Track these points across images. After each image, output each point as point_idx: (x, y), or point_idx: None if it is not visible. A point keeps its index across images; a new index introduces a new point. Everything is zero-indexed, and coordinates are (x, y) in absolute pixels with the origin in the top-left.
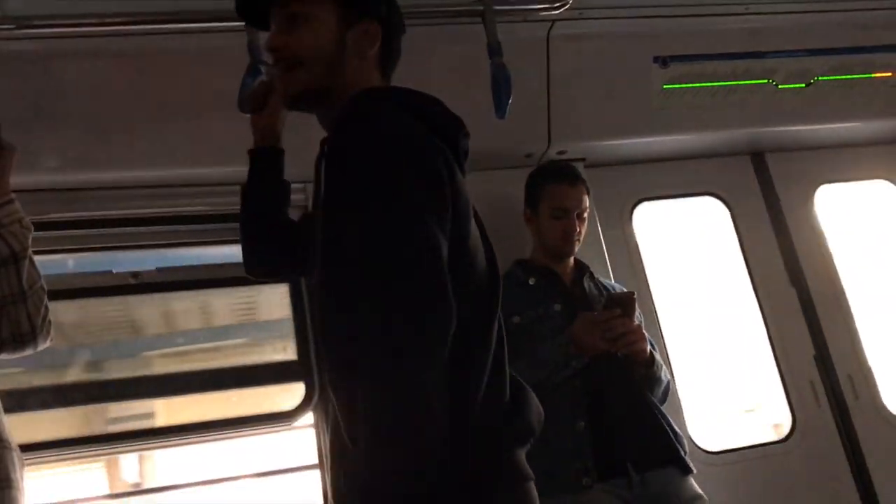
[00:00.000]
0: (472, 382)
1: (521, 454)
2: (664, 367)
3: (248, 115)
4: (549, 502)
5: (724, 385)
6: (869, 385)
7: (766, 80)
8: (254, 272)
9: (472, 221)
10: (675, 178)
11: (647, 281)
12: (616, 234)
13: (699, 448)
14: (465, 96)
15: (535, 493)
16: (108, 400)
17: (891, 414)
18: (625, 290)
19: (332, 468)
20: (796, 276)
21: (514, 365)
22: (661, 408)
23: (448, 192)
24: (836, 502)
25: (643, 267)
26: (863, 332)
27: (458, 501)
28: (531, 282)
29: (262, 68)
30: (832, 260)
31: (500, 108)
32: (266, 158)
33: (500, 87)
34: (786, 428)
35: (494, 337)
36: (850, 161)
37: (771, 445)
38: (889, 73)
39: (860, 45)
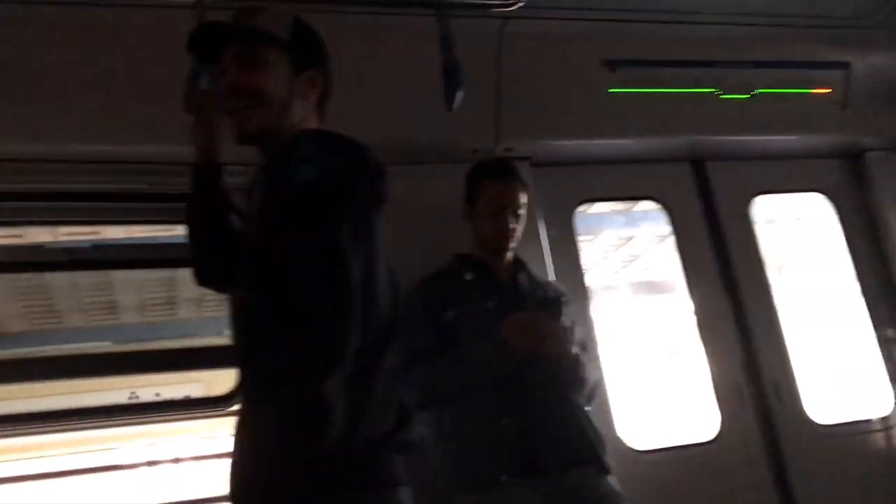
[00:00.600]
0: (366, 397)
1: (399, 462)
2: (591, 367)
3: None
4: (468, 497)
5: (660, 387)
6: (793, 392)
7: (710, 90)
8: (206, 284)
9: (382, 255)
10: (619, 180)
11: (583, 281)
12: (558, 233)
13: (628, 447)
14: (416, 88)
15: (406, 497)
16: (35, 379)
17: (811, 420)
18: (562, 288)
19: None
20: (730, 283)
21: (446, 362)
22: (588, 408)
23: (367, 229)
24: (757, 502)
25: (581, 266)
26: (790, 341)
27: (330, 496)
28: (467, 276)
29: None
30: (765, 269)
31: (449, 100)
32: (209, 175)
33: (451, 80)
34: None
35: (390, 360)
36: (787, 173)
37: (698, 446)
38: (828, 90)
39: (802, 61)
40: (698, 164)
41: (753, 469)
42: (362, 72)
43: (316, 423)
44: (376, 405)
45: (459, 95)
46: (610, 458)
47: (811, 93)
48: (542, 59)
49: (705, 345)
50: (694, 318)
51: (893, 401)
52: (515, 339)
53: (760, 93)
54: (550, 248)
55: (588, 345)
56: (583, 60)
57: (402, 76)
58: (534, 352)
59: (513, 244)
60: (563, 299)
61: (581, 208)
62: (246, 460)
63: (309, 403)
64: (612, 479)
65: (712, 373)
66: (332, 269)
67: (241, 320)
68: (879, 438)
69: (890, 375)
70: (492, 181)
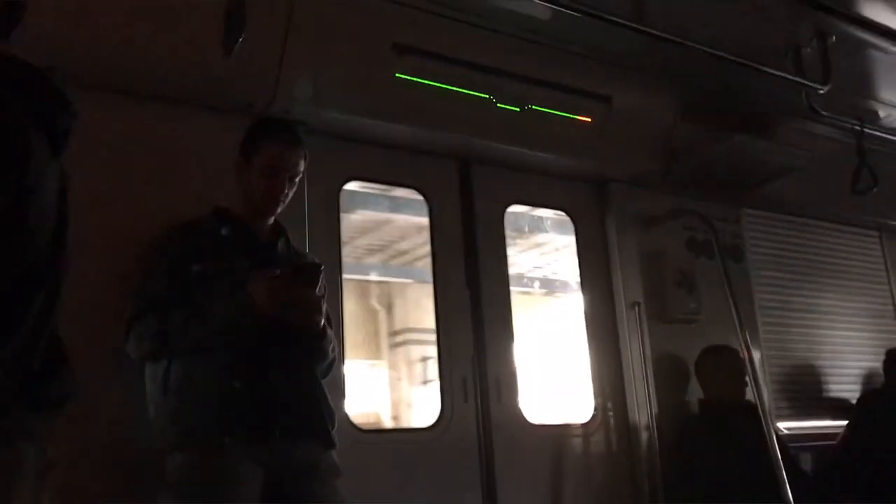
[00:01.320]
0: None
1: (33, 418)
2: (334, 343)
3: None
4: (183, 457)
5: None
6: (511, 390)
7: (486, 96)
8: None
9: (49, 192)
10: (389, 164)
11: (340, 257)
12: (321, 206)
13: (353, 425)
14: (199, 27)
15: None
16: None
17: (524, 419)
18: (316, 260)
19: None
20: (473, 280)
21: (183, 314)
22: (323, 381)
23: (15, 155)
24: (462, 490)
25: (340, 242)
26: (519, 341)
27: None
28: (224, 231)
29: None
30: (507, 271)
31: (229, 46)
32: None
33: (233, 24)
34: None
35: (42, 304)
36: (541, 188)
37: (420, 431)
38: (589, 119)
39: (571, 87)
40: (465, 163)
41: (466, 456)
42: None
43: None
44: (15, 347)
45: (240, 42)
46: (336, 434)
47: (575, 118)
48: (335, 28)
49: (441, 336)
50: (434, 310)
51: (592, 410)
52: (263, 299)
53: (531, 108)
54: (311, 220)
55: (331, 320)
56: (374, 38)
57: (185, 12)
58: (281, 317)
59: (279, 208)
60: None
61: (348, 185)
62: None
63: None
64: (334, 454)
65: (441, 362)
66: None
67: None
68: (579, 442)
69: (593, 388)
70: (273, 143)
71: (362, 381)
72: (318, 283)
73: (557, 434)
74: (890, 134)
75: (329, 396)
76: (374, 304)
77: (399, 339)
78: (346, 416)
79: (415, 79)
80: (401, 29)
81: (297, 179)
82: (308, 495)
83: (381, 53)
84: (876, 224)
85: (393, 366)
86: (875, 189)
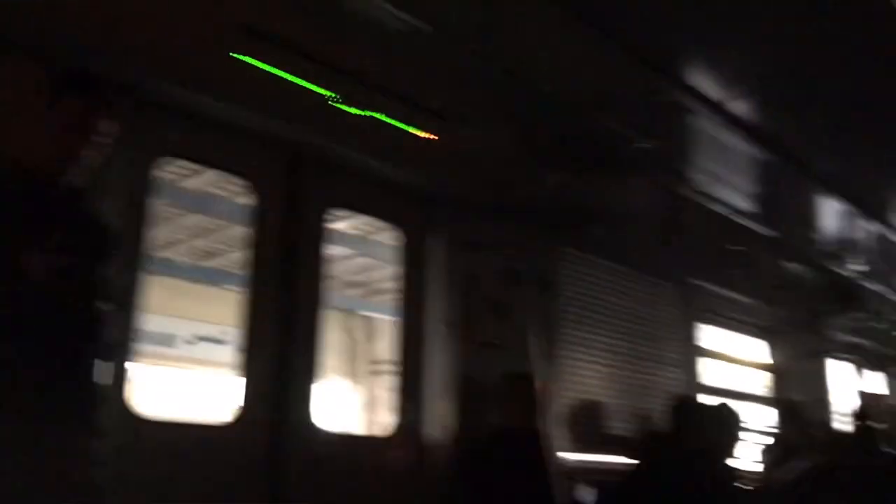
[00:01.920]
0: None
1: None
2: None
3: None
4: None
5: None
6: (311, 398)
7: (329, 93)
8: None
9: None
10: (215, 145)
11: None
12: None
13: (133, 414)
14: None
15: None
16: None
17: (321, 427)
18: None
19: None
20: (290, 279)
21: None
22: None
23: None
24: (245, 491)
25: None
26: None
27: None
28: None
29: None
30: (325, 273)
31: None
32: None
33: None
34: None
35: None
36: (371, 196)
37: (210, 428)
38: (429, 136)
39: (415, 100)
40: (296, 158)
41: (254, 458)
42: None
43: None
44: None
45: None
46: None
47: (416, 132)
48: None
49: (246, 336)
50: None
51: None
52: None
53: (372, 115)
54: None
55: (124, 303)
56: (219, 14)
57: None
58: None
59: (79, 170)
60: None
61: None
62: None
63: None
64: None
65: (243, 363)
66: None
67: None
68: (376, 455)
69: (397, 405)
70: (82, 100)
71: None
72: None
73: (355, 445)
74: (699, 197)
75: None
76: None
77: None
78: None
79: (256, 63)
80: (249, 9)
81: (99, 143)
82: None
83: (225, 31)
84: (674, 277)
85: None
86: (681, 244)
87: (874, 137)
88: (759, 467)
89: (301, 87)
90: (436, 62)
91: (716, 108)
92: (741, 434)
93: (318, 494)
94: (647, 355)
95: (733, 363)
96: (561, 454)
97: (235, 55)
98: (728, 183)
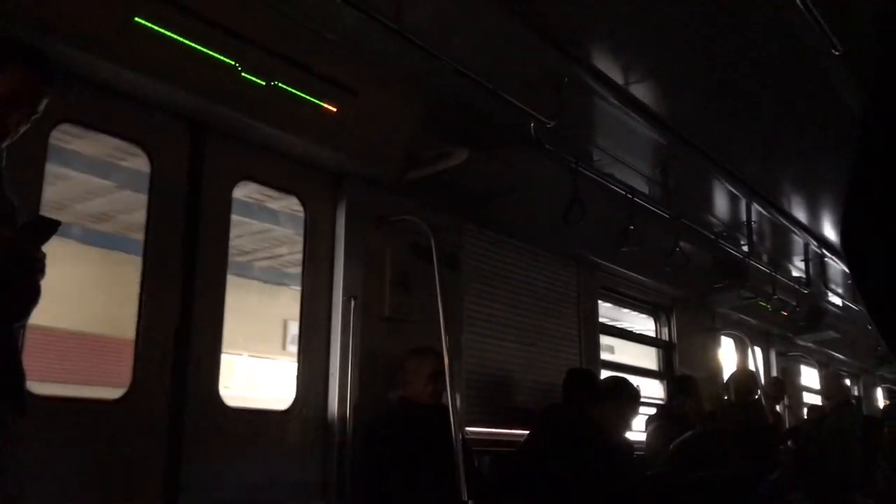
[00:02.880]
0: None
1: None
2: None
3: None
4: None
5: None
6: (212, 370)
7: (232, 62)
8: None
9: None
10: (113, 112)
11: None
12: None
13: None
14: None
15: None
16: None
17: (220, 400)
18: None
19: None
20: (190, 249)
21: None
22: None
23: None
24: (143, 466)
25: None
26: (230, 325)
27: None
28: None
29: None
30: (227, 247)
31: None
32: None
33: None
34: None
35: None
36: (278, 168)
37: (105, 404)
38: (334, 109)
39: (321, 73)
40: (198, 128)
41: (151, 434)
42: None
43: None
44: None
45: None
46: None
47: (320, 105)
48: None
49: (143, 307)
50: (139, 281)
51: (293, 398)
52: None
53: (277, 85)
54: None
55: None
56: None
57: None
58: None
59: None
60: (44, 222)
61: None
62: None
63: None
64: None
65: (139, 333)
66: None
67: None
68: (276, 428)
69: (297, 378)
70: (26, 72)
71: None
72: (47, 240)
73: (255, 419)
74: (599, 176)
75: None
76: None
77: None
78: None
79: (156, 27)
80: None
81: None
82: None
83: None
84: (575, 255)
85: None
86: (581, 222)
87: (768, 125)
88: (652, 438)
89: (204, 54)
90: (343, 35)
91: (619, 90)
92: (635, 406)
93: (215, 467)
94: (548, 330)
95: (629, 339)
96: (463, 427)
97: (138, 20)
98: (628, 164)
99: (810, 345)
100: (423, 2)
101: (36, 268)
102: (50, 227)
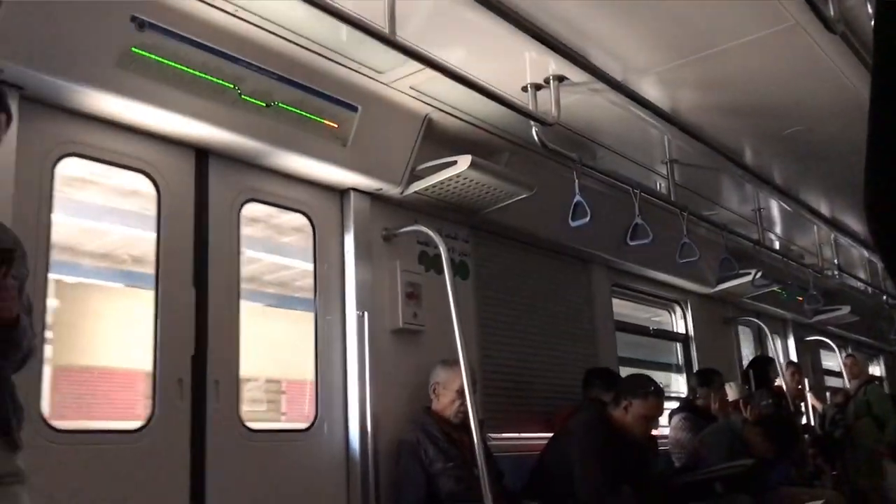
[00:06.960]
0: None
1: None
2: (31, 334)
3: None
4: None
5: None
6: (232, 394)
7: (231, 85)
8: None
9: None
10: (115, 141)
11: (48, 238)
12: (32, 183)
13: (48, 426)
14: None
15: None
16: None
17: (242, 423)
18: (17, 238)
19: None
20: (200, 277)
21: None
22: (13, 375)
23: None
24: (169, 494)
25: (50, 222)
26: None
27: None
28: None
29: None
30: (238, 271)
31: None
32: None
33: None
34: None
35: None
36: (281, 189)
37: (125, 434)
38: (335, 125)
39: (321, 91)
40: (202, 153)
41: (173, 461)
42: None
43: None
44: None
45: None
46: (25, 435)
47: (322, 122)
48: None
49: (162, 333)
50: (154, 304)
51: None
52: None
53: (278, 105)
54: (20, 197)
55: (33, 307)
56: (112, 7)
57: None
58: None
59: None
60: (16, 252)
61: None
62: None
63: None
64: (19, 458)
65: (157, 362)
66: None
67: None
68: (299, 447)
69: (317, 396)
70: None
71: None
72: (10, 269)
73: (276, 440)
74: (602, 174)
75: (18, 394)
76: None
77: None
78: (40, 416)
79: (153, 56)
80: (140, 1)
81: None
82: None
83: (119, 24)
84: (585, 254)
85: None
86: (587, 222)
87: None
88: (677, 432)
89: (202, 79)
90: (340, 52)
91: (619, 86)
92: (659, 403)
93: (239, 490)
94: (563, 332)
95: (647, 335)
96: (486, 434)
97: (135, 50)
98: (631, 159)
99: (829, 328)
100: (417, 12)
101: (2, 296)
102: (7, 257)
